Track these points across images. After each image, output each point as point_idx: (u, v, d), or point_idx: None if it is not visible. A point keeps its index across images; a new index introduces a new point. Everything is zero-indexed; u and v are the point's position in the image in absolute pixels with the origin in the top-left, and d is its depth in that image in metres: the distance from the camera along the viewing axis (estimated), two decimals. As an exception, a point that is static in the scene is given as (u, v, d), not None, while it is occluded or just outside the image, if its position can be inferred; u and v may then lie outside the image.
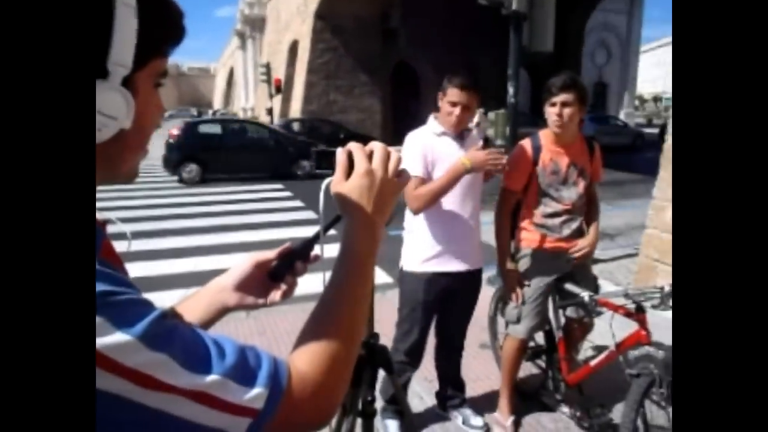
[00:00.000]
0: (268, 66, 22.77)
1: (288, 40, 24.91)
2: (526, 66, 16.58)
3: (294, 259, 0.84)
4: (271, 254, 0.86)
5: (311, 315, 0.67)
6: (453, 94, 2.30)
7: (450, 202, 2.37)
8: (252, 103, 37.85)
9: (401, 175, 0.78)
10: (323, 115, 19.83)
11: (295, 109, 21.55)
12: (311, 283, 0.95)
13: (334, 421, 1.24)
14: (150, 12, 0.54)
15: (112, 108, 0.52)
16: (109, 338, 0.46)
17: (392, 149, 0.80)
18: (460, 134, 2.42)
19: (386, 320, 2.92)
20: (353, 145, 0.77)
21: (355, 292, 0.69)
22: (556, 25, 5.13)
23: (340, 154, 0.76)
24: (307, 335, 0.64)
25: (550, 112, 2.35)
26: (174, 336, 0.51)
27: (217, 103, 73.98)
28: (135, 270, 5.02)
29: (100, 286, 0.47)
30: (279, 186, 11.50)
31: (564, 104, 2.31)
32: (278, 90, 21.76)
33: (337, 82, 21.01)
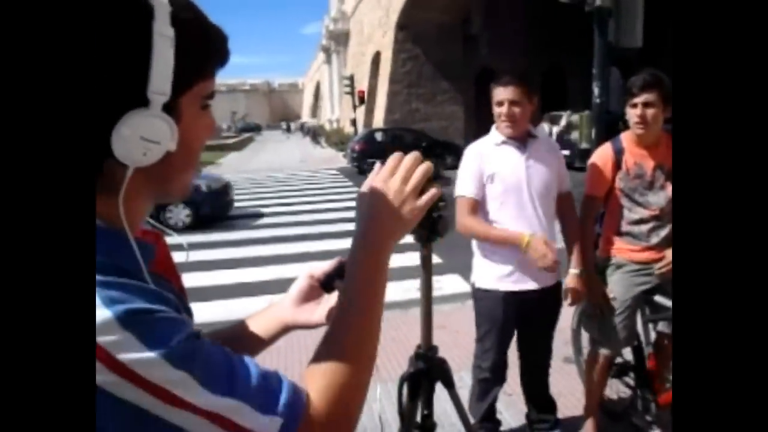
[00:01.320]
0: (351, 78, 23.44)
1: (371, 52, 25.47)
2: (616, 63, 15.71)
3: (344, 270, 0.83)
4: (325, 265, 0.87)
5: (323, 338, 0.66)
6: (497, 93, 2.22)
7: (524, 210, 2.26)
8: (337, 114, 39.04)
9: (425, 191, 0.73)
10: (406, 123, 20.00)
11: (378, 119, 21.93)
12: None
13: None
14: (192, 38, 0.57)
15: (155, 133, 0.55)
16: (137, 354, 0.48)
17: (424, 163, 0.75)
18: (523, 141, 2.28)
19: (465, 332, 2.86)
20: (395, 155, 0.74)
21: (360, 316, 0.66)
22: (650, 18, 4.80)
23: (393, 157, 0.74)
24: (317, 362, 0.63)
25: (632, 114, 2.21)
26: (199, 356, 0.52)
27: (305, 115, 77.11)
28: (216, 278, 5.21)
29: (138, 303, 0.50)
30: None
31: (646, 105, 2.16)
32: (361, 101, 22.31)
33: (418, 90, 21.16)
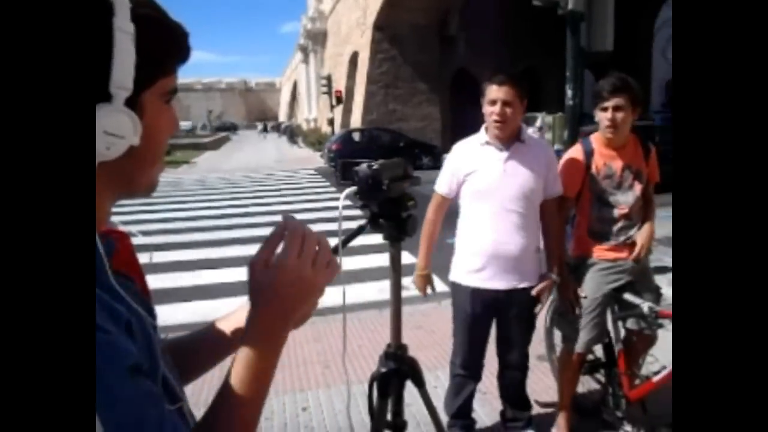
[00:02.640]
0: (328, 78, 23.35)
1: (348, 52, 25.42)
2: (590, 66, 16.01)
3: None
4: None
5: (209, 408, 0.64)
6: (491, 91, 2.20)
7: (495, 212, 2.26)
8: (315, 114, 38.83)
9: (330, 266, 0.69)
10: (383, 124, 20.01)
11: (356, 119, 21.90)
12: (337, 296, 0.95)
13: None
14: (154, 35, 0.57)
15: (118, 127, 0.55)
16: None
17: (323, 239, 0.69)
18: (508, 144, 2.26)
19: (442, 332, 2.88)
20: (292, 226, 0.68)
21: (242, 408, 0.64)
22: (622, 23, 4.90)
23: (277, 228, 0.67)
24: None
25: (602, 117, 2.26)
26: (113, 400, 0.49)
27: (282, 115, 76.54)
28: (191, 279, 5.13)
29: None
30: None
31: (616, 108, 2.22)
32: (339, 101, 22.25)
33: (396, 91, 21.18)
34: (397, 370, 1.17)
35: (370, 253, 5.46)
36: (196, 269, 6.04)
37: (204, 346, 0.86)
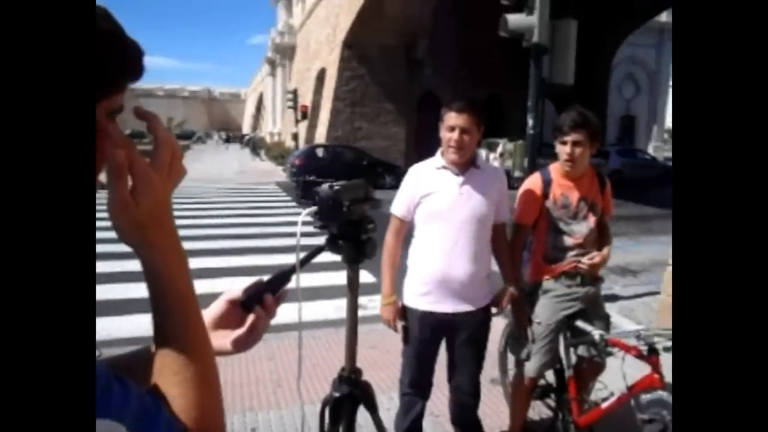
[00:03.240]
0: (295, 92, 23.30)
1: (316, 68, 25.47)
2: (551, 97, 16.60)
3: (266, 290, 0.82)
4: (245, 286, 0.84)
5: (163, 367, 0.61)
6: (450, 117, 2.22)
7: (448, 235, 2.27)
8: (279, 127, 38.59)
9: (174, 171, 0.62)
10: (348, 141, 20.04)
11: (321, 135, 21.86)
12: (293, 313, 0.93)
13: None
14: (111, 50, 0.56)
15: None
16: None
17: (174, 143, 0.63)
18: (464, 169, 2.29)
19: (396, 352, 2.87)
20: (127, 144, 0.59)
21: (193, 341, 0.62)
22: (581, 58, 5.11)
23: (114, 159, 0.56)
24: (174, 392, 0.60)
25: (561, 150, 2.34)
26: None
27: (246, 127, 75.69)
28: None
29: None
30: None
31: (575, 143, 2.30)
32: (304, 116, 22.20)
33: (362, 109, 21.30)
34: (350, 394, 1.15)
35: (327, 270, 5.42)
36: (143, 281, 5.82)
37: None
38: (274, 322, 0.86)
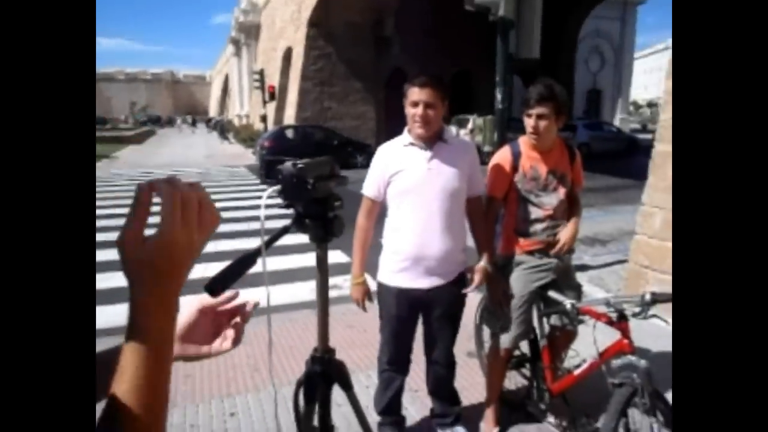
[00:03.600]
0: (261, 73, 22.81)
1: (282, 48, 24.96)
2: (519, 72, 16.65)
3: (234, 274, 0.80)
4: (215, 301, 0.81)
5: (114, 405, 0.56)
6: (413, 93, 2.20)
7: (420, 212, 2.27)
8: (247, 110, 37.85)
9: (204, 222, 0.60)
10: (317, 122, 19.81)
11: (290, 116, 21.55)
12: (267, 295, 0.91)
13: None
14: None
15: None
16: None
17: (202, 193, 0.60)
18: (431, 143, 2.28)
19: (373, 331, 2.88)
20: (165, 190, 0.56)
21: (155, 379, 0.57)
22: (548, 32, 5.12)
23: (140, 195, 0.55)
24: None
25: (527, 123, 2.35)
26: None
27: (213, 110, 74.07)
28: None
29: None
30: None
31: (539, 117, 2.30)
32: (272, 97, 21.78)
33: (331, 89, 21.02)
34: (323, 374, 1.14)
35: (302, 253, 5.38)
36: (108, 270, 5.71)
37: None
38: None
